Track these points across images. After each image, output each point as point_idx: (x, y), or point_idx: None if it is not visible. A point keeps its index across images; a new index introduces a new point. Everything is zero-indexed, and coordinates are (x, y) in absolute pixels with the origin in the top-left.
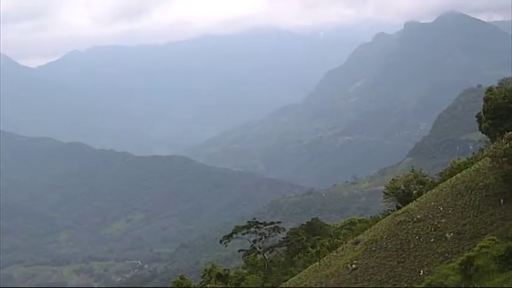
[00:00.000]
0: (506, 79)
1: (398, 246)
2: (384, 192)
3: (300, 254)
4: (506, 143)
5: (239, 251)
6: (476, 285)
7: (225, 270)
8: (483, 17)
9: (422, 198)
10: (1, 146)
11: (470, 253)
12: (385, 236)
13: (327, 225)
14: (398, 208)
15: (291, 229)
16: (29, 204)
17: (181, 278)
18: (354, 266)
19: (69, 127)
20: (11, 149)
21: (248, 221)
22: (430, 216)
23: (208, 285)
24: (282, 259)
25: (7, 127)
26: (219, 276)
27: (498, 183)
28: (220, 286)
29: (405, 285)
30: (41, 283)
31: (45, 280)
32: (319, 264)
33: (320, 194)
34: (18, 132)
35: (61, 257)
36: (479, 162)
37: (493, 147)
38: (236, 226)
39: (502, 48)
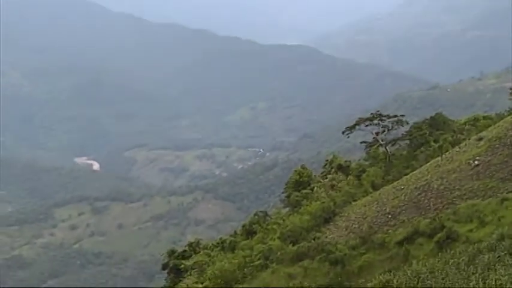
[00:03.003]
0: None
1: None
2: (510, 89)
3: (422, 148)
4: None
5: (361, 142)
6: None
7: (346, 161)
8: None
9: None
10: (130, 31)
11: None
12: (509, 134)
13: (451, 120)
14: None
15: (414, 123)
16: (155, 90)
17: (303, 167)
18: (476, 162)
19: (196, 13)
20: (140, 34)
21: (371, 113)
22: None
23: (329, 176)
24: (404, 152)
25: (137, 12)
26: (340, 167)
27: None
28: (341, 177)
29: None
30: (163, 167)
31: (167, 164)
32: (441, 159)
33: (445, 89)
34: (147, 18)
35: (184, 143)
36: None
37: None
38: (359, 118)
39: None
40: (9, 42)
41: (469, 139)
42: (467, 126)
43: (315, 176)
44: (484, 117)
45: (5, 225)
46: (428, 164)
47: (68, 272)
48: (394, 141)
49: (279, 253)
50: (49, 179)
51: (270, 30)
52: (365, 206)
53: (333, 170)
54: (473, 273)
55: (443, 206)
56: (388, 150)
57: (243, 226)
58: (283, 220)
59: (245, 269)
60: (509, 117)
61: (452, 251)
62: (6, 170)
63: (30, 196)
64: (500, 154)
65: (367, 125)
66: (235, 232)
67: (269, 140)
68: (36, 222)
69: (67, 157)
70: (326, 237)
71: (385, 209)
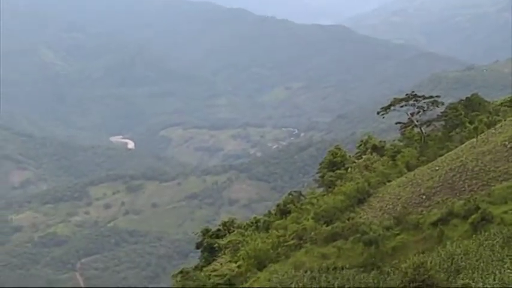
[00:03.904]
0: None
1: None
2: None
3: (457, 129)
4: None
5: (396, 123)
6: None
7: (381, 141)
8: None
9: None
10: (164, 9)
11: None
12: None
13: (487, 101)
14: None
15: (450, 104)
16: (190, 69)
17: (337, 147)
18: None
19: None
20: (174, 13)
21: (406, 94)
22: None
23: (363, 156)
24: (439, 133)
25: None
26: (375, 148)
27: None
28: (376, 158)
29: None
30: (198, 146)
31: (202, 143)
32: (476, 141)
33: (481, 70)
34: None
35: (219, 122)
36: None
37: None
38: (394, 98)
39: None
40: (43, 21)
41: (505, 120)
42: (503, 108)
43: (349, 156)
44: None
45: (40, 203)
46: (464, 145)
47: (103, 250)
48: (429, 122)
49: (312, 233)
50: (84, 157)
51: (305, 10)
52: (399, 186)
53: (368, 150)
54: (507, 255)
55: (478, 188)
56: (423, 131)
57: (277, 206)
58: (317, 200)
59: (279, 249)
60: None
61: (486, 233)
62: (42, 149)
63: (66, 174)
64: None
65: (402, 106)
66: (269, 212)
67: (304, 120)
68: (71, 200)
69: (102, 136)
70: (360, 217)
71: (420, 190)
